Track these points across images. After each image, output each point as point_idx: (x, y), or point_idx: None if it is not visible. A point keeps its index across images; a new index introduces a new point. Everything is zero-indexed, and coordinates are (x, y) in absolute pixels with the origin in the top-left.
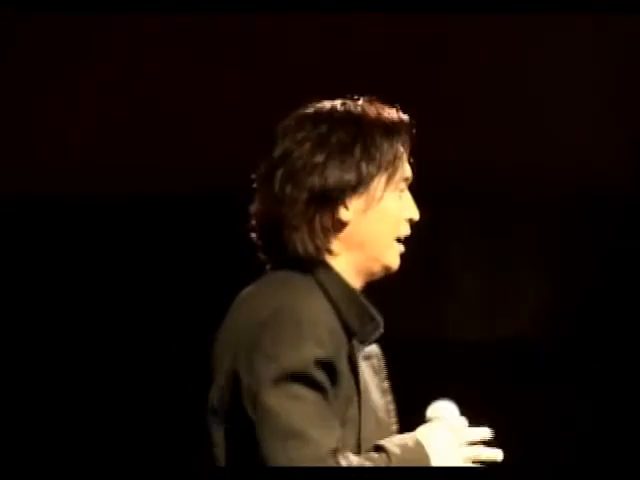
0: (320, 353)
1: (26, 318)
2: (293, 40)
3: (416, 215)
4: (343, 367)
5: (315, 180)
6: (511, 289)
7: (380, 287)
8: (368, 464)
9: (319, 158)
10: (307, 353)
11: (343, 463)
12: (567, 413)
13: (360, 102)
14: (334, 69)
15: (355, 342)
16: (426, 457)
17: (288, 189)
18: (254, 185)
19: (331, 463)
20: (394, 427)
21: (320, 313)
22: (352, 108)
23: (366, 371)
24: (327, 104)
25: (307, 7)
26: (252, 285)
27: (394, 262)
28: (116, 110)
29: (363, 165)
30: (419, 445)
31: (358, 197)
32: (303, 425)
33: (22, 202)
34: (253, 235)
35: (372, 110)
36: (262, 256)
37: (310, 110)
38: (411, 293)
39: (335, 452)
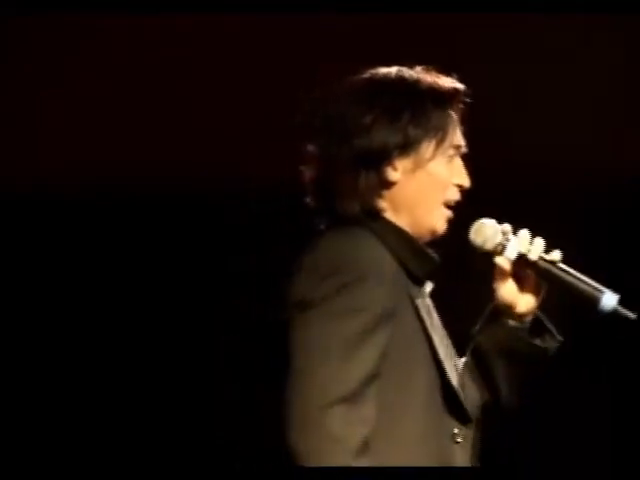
0: (385, 302)
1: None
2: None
3: (466, 181)
4: (406, 313)
5: (362, 141)
6: None
7: None
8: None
9: (367, 119)
10: (373, 299)
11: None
12: None
13: (416, 69)
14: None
15: (414, 285)
16: None
17: (336, 149)
18: (306, 145)
19: (332, 412)
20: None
21: (383, 263)
22: (406, 74)
23: (428, 309)
24: (382, 70)
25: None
26: (309, 245)
27: (440, 225)
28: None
29: (410, 128)
30: None
31: (405, 158)
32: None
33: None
34: (307, 198)
35: (426, 77)
36: (315, 218)
37: (365, 75)
38: None
39: (341, 402)
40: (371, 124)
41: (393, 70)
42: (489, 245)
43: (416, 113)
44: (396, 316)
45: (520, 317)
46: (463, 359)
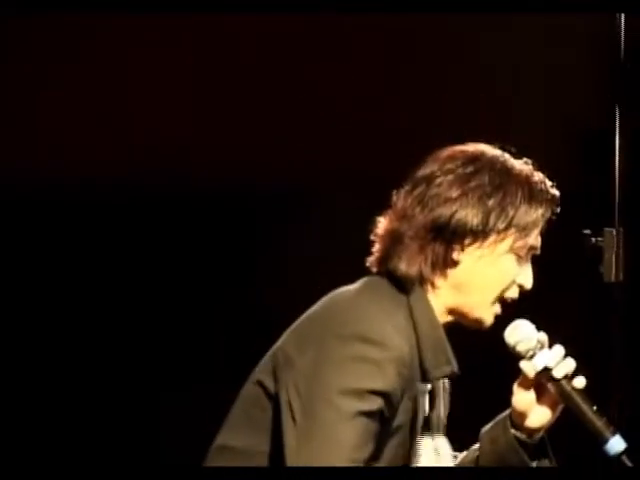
0: (391, 385)
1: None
2: None
3: (529, 284)
4: (405, 401)
5: (443, 211)
6: None
7: None
8: None
9: (454, 193)
10: (378, 381)
11: None
12: None
13: (516, 159)
14: None
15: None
16: None
17: (417, 210)
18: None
19: None
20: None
21: (403, 345)
22: (506, 160)
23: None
24: (487, 147)
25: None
26: (349, 286)
27: (488, 320)
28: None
29: (493, 216)
30: None
31: (477, 243)
32: (339, 446)
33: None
34: (373, 240)
35: (524, 170)
36: (371, 263)
37: (468, 148)
38: None
39: None
40: (457, 198)
41: (498, 152)
42: (521, 347)
43: (504, 202)
44: (400, 401)
45: (528, 431)
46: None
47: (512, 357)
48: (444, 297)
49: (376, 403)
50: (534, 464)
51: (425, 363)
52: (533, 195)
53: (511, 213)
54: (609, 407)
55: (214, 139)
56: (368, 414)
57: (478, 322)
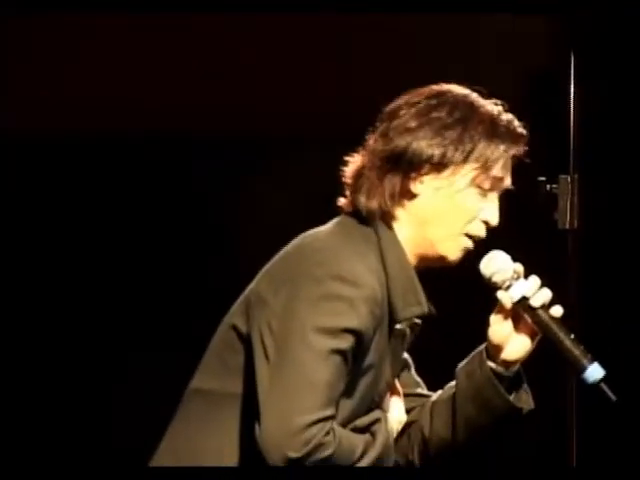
0: (363, 324)
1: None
2: None
3: (493, 221)
4: (376, 340)
5: (400, 142)
6: None
7: None
8: (352, 444)
9: (413, 123)
10: (352, 319)
11: (327, 436)
12: None
13: (486, 100)
14: None
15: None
16: None
17: (379, 143)
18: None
19: (314, 429)
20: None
21: (375, 284)
22: (472, 97)
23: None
24: (456, 86)
25: None
26: (320, 228)
27: (453, 255)
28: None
29: (450, 148)
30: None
31: (434, 174)
32: (312, 384)
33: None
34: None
35: (490, 107)
36: (342, 203)
37: (435, 86)
38: None
39: (324, 420)
40: (415, 129)
41: (467, 91)
42: (497, 278)
43: (464, 136)
44: (372, 340)
45: (505, 364)
46: (427, 392)
47: (488, 289)
48: (409, 234)
49: (349, 341)
50: (511, 397)
51: (394, 303)
52: (495, 130)
53: (469, 146)
54: (563, 355)
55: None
56: (341, 352)
57: (443, 258)
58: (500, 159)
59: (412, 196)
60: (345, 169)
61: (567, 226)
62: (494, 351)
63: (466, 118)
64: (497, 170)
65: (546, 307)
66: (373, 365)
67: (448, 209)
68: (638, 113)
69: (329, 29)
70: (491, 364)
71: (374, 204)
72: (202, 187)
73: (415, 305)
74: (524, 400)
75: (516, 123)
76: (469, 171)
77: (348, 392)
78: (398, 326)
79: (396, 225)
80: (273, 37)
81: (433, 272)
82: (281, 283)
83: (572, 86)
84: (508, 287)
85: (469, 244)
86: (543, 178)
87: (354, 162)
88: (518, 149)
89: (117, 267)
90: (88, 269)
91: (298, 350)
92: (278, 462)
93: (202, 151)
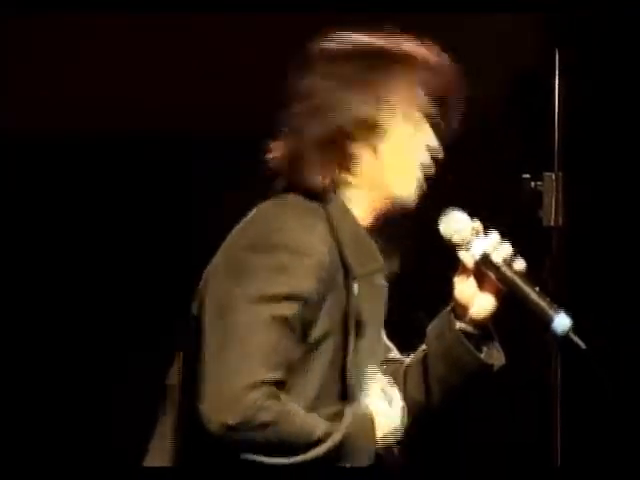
0: (306, 289)
1: None
2: None
3: (434, 143)
4: (329, 306)
5: (330, 115)
6: None
7: None
8: (308, 423)
9: (336, 95)
10: (294, 285)
11: (267, 400)
12: None
13: (382, 37)
14: None
15: (350, 275)
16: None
17: (306, 123)
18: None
19: (254, 393)
20: (384, 357)
21: (321, 249)
22: (373, 43)
23: (369, 299)
24: (347, 38)
25: None
26: (266, 203)
27: (409, 194)
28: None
29: (373, 102)
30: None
31: (371, 132)
32: (251, 349)
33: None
34: (268, 168)
35: (392, 46)
36: (273, 191)
37: (331, 44)
38: None
39: (266, 384)
40: (340, 99)
41: (359, 38)
42: (456, 238)
43: (379, 84)
44: (324, 307)
45: (473, 323)
46: (399, 356)
47: (449, 250)
48: (362, 195)
49: (292, 308)
50: (482, 355)
51: (350, 264)
52: (405, 65)
53: (390, 91)
54: (529, 309)
55: None
56: (284, 318)
57: (401, 200)
58: (419, 88)
59: (358, 157)
60: (272, 155)
61: (552, 223)
62: (461, 310)
63: (376, 66)
64: (418, 100)
65: (508, 262)
66: (331, 332)
67: (392, 155)
68: (622, 111)
69: (329, 29)
70: (459, 324)
71: (316, 180)
72: (202, 187)
73: (372, 262)
74: (495, 357)
75: (415, 45)
76: (397, 113)
77: (310, 364)
78: (355, 286)
79: (345, 191)
80: (273, 37)
81: (396, 235)
82: (224, 258)
83: (557, 84)
84: (468, 246)
85: (419, 181)
86: (528, 175)
87: (279, 146)
88: (430, 69)
89: (117, 267)
90: (88, 269)
91: (239, 318)
92: (217, 432)
93: (202, 151)
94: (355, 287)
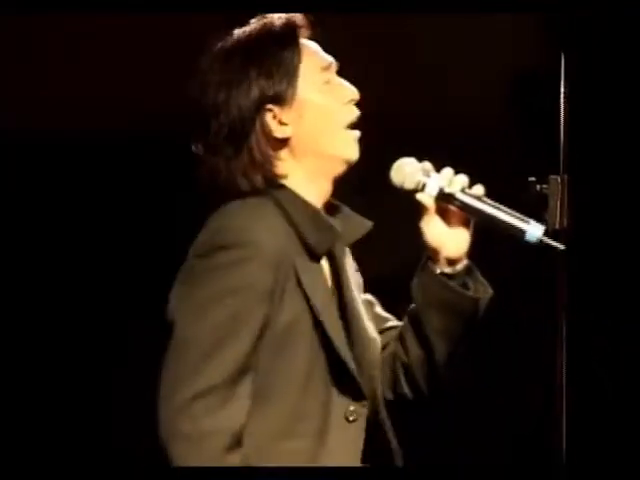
0: (252, 280)
1: None
2: None
3: (351, 92)
4: (289, 288)
5: (229, 116)
6: None
7: None
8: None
9: (222, 96)
10: (238, 278)
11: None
12: None
13: (247, 26)
14: None
15: (311, 253)
16: None
17: (217, 136)
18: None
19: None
20: (371, 328)
21: (266, 239)
22: (240, 35)
23: (342, 273)
24: (216, 43)
25: None
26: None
27: (350, 150)
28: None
29: (263, 81)
30: None
31: (285, 109)
32: (195, 358)
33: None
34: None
35: (258, 27)
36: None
37: (210, 52)
38: None
39: (208, 394)
40: (227, 97)
41: (226, 39)
42: (409, 183)
43: (262, 66)
44: (278, 296)
45: (451, 263)
46: (392, 322)
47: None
48: (303, 172)
49: (239, 301)
50: (470, 293)
51: (309, 244)
52: (276, 37)
53: (275, 66)
54: (556, 358)
55: None
56: (232, 315)
57: (344, 159)
58: (304, 48)
59: (287, 140)
60: (203, 172)
61: (557, 226)
62: (435, 255)
63: (250, 51)
64: (312, 57)
65: (467, 190)
66: (300, 317)
67: (318, 119)
68: (628, 113)
69: (329, 29)
70: (439, 269)
71: (259, 179)
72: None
73: (328, 233)
74: (481, 290)
75: (280, 16)
76: (296, 80)
77: (289, 352)
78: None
79: (289, 177)
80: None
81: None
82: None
83: (562, 86)
84: (424, 186)
85: (355, 132)
86: (533, 178)
87: (203, 160)
88: (305, 28)
89: (117, 267)
90: (89, 269)
91: (185, 325)
92: (164, 438)
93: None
94: (311, 268)
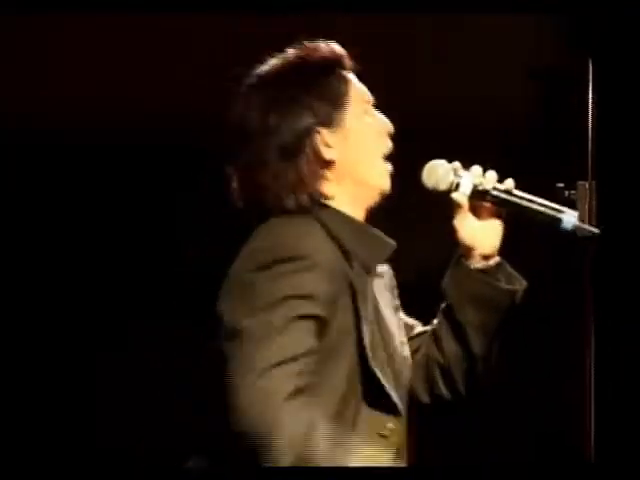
0: (310, 289)
1: None
2: None
3: (389, 126)
4: (343, 300)
5: (281, 136)
6: None
7: None
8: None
9: (274, 117)
10: (297, 287)
11: (289, 408)
12: None
13: (293, 50)
14: None
15: (360, 269)
16: None
17: (261, 153)
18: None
19: (273, 373)
20: (405, 347)
21: (321, 251)
22: (288, 59)
23: (378, 292)
24: (266, 65)
25: None
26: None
27: (384, 181)
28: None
29: (315, 106)
30: None
31: (332, 133)
32: (269, 359)
33: None
34: (239, 202)
35: (306, 54)
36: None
37: (256, 74)
38: None
39: (283, 364)
40: (279, 122)
41: (275, 61)
42: (443, 185)
43: (315, 91)
44: (336, 304)
45: (484, 259)
46: (423, 328)
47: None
48: (343, 196)
49: (301, 307)
50: (508, 286)
51: (362, 259)
52: (325, 66)
53: (326, 93)
54: (584, 357)
55: None
56: (295, 318)
57: (379, 189)
58: (349, 79)
59: (331, 163)
60: (237, 183)
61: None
62: (469, 252)
63: (300, 79)
64: (354, 90)
65: (498, 186)
66: (348, 330)
67: (360, 147)
68: None
69: (330, 29)
70: (475, 265)
71: (304, 198)
72: (202, 187)
73: (382, 248)
74: (516, 282)
75: (327, 45)
76: (343, 107)
77: (334, 365)
78: (361, 283)
79: (330, 196)
80: (273, 37)
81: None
82: (230, 285)
83: (590, 91)
84: (457, 186)
85: (388, 165)
86: (561, 184)
87: (244, 176)
88: (351, 61)
89: (116, 268)
90: (89, 269)
91: (248, 329)
92: (255, 428)
93: (202, 151)
94: (361, 283)
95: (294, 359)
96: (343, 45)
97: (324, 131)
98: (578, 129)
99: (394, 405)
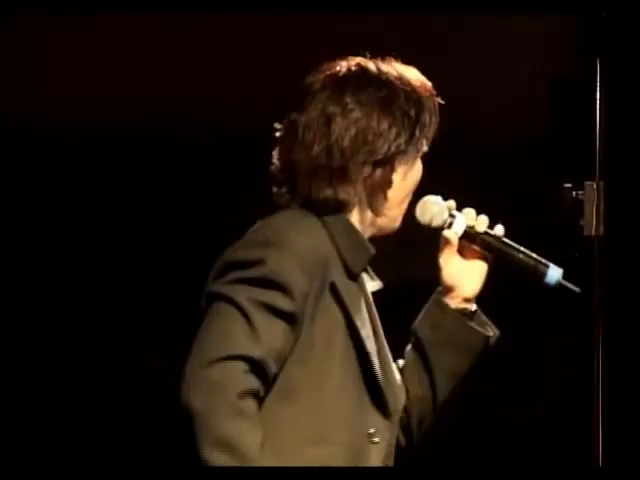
0: (283, 276)
1: None
2: None
3: (420, 176)
4: (329, 301)
5: (377, 144)
6: None
7: None
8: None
9: (384, 125)
10: (271, 272)
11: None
12: None
13: (394, 65)
14: None
15: (349, 279)
16: None
17: (350, 151)
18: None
19: (214, 369)
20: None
21: (307, 245)
22: (394, 71)
23: (369, 303)
24: (364, 64)
25: None
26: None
27: (399, 222)
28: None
29: (417, 131)
30: None
31: (404, 160)
32: (217, 332)
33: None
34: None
35: (402, 80)
36: (280, 197)
37: (345, 70)
38: None
39: (230, 359)
40: (387, 129)
41: (377, 64)
42: (436, 222)
43: (418, 116)
44: (313, 300)
45: (464, 300)
46: (401, 361)
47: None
48: (359, 214)
49: (272, 295)
50: (484, 332)
51: (347, 261)
52: (418, 92)
53: (422, 123)
54: (592, 362)
55: None
56: (263, 304)
57: (395, 227)
58: (432, 118)
59: (390, 185)
60: (278, 166)
61: (593, 233)
62: (452, 292)
63: (411, 94)
64: (430, 129)
65: (489, 230)
66: (336, 331)
67: (411, 183)
68: None
69: (331, 29)
70: (455, 306)
71: (342, 195)
72: (202, 187)
73: (364, 254)
74: (490, 329)
75: (419, 78)
76: (419, 143)
77: (323, 364)
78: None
79: (349, 211)
80: (273, 37)
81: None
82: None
83: (598, 92)
84: (450, 225)
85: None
86: (569, 185)
87: (287, 159)
88: (434, 100)
89: (116, 268)
90: (89, 269)
91: (216, 310)
92: (188, 411)
93: (202, 151)
94: (353, 284)
95: (241, 355)
96: (349, 46)
97: (402, 156)
98: (586, 129)
99: (386, 407)
